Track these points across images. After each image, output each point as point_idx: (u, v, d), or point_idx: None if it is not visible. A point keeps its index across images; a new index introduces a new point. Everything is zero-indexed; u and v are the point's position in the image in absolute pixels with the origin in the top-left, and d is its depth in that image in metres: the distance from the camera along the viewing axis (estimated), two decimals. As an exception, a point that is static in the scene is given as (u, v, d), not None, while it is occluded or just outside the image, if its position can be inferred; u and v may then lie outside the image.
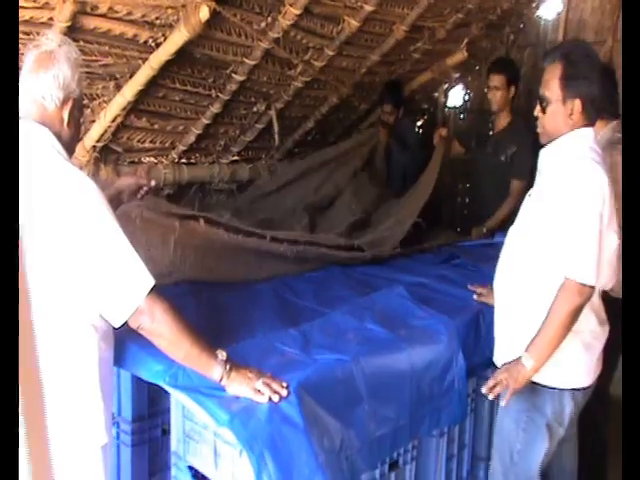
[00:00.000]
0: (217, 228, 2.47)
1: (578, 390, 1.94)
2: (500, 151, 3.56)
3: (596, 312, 1.94)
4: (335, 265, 2.83)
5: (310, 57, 3.27)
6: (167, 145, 3.43)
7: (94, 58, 2.59)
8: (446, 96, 5.03)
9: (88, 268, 1.50)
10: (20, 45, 1.94)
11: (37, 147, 1.55)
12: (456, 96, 5.00)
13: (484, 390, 1.90)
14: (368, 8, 3.03)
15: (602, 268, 1.81)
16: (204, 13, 2.41)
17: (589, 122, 1.87)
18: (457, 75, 4.74)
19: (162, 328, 1.53)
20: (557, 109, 1.86)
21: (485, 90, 3.80)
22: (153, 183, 2.09)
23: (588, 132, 1.88)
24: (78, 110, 1.69)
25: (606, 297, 2.01)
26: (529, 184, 2.13)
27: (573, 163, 1.82)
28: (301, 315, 2.20)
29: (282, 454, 1.50)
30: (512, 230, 2.03)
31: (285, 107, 3.66)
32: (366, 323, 2.11)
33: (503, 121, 3.64)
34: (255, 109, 3.53)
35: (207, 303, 2.23)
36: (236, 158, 3.93)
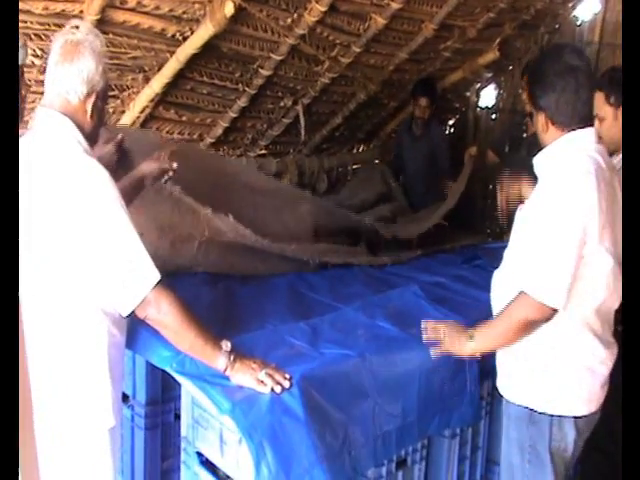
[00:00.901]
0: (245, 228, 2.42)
1: (580, 417, 1.79)
2: (535, 152, 3.46)
3: (599, 335, 1.75)
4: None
5: (337, 54, 3.29)
6: (195, 137, 3.49)
7: (123, 51, 2.65)
8: (478, 96, 4.97)
9: (97, 258, 1.53)
10: (53, 38, 2.01)
11: (56, 136, 1.59)
12: (488, 96, 4.94)
13: (422, 324, 1.88)
14: (395, 6, 3.02)
15: (595, 289, 1.67)
16: (229, 8, 2.45)
17: (570, 128, 1.72)
18: (489, 75, 4.69)
19: (168, 319, 1.56)
20: (535, 119, 1.81)
21: (520, 91, 3.74)
22: (175, 166, 2.05)
23: (579, 136, 1.72)
24: (102, 100, 1.71)
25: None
26: None
27: (559, 172, 1.69)
28: (314, 309, 2.22)
29: (282, 444, 1.53)
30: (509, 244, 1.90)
31: (312, 103, 3.68)
32: (377, 320, 2.12)
33: None
34: (282, 104, 3.56)
35: (222, 293, 2.27)
36: (264, 152, 3.98)
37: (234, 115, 3.39)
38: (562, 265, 1.59)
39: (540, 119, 1.76)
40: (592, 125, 1.75)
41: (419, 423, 1.99)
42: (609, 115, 2.06)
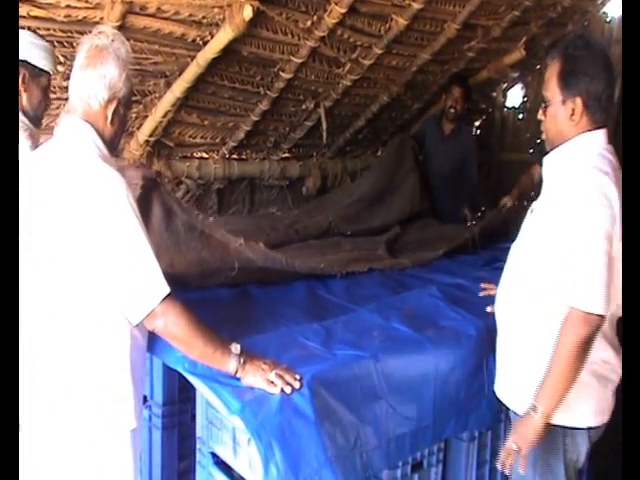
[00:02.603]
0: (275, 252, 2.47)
1: (593, 428, 1.72)
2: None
3: (610, 341, 1.70)
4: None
5: (358, 55, 3.28)
6: (217, 141, 3.53)
7: (145, 56, 2.70)
8: (504, 96, 4.91)
9: (109, 267, 1.55)
10: (75, 45, 2.05)
11: (75, 143, 1.62)
12: (515, 96, 4.87)
13: (499, 467, 1.68)
14: (416, 6, 3.01)
15: (614, 293, 1.58)
16: (247, 12, 2.47)
17: (596, 124, 1.64)
18: (516, 74, 4.63)
19: (175, 331, 1.58)
20: (557, 110, 1.66)
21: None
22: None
23: (596, 136, 1.65)
24: (124, 107, 1.72)
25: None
26: None
27: (578, 174, 1.60)
28: (329, 311, 2.22)
29: (291, 445, 1.53)
30: (513, 248, 1.84)
31: (334, 105, 3.69)
32: (392, 322, 2.11)
33: None
34: (304, 107, 3.57)
35: (239, 294, 2.29)
36: (287, 155, 4.00)
37: (256, 118, 3.41)
38: (599, 270, 1.53)
39: (571, 107, 1.63)
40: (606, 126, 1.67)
41: (434, 426, 1.97)
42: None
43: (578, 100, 1.61)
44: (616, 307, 1.62)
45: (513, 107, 4.95)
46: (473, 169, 4.01)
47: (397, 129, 4.43)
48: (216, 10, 2.58)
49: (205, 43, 2.73)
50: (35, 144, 1.93)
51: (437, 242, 3.21)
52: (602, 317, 1.55)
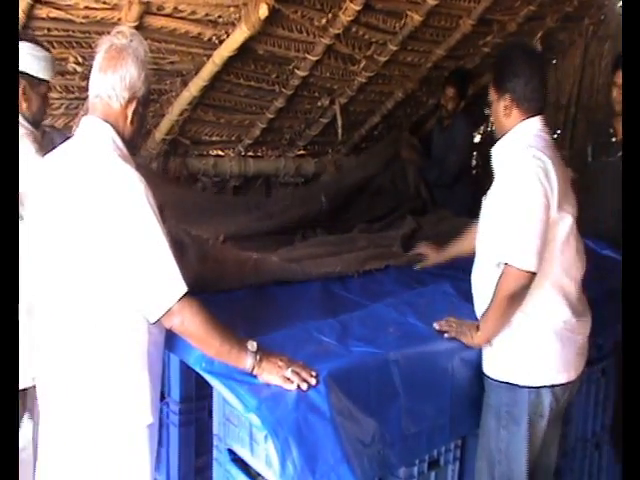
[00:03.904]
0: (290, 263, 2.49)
1: (557, 386, 1.89)
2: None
3: (570, 302, 1.88)
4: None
5: (373, 52, 3.28)
6: (233, 138, 3.55)
7: (161, 56, 2.73)
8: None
9: (128, 265, 1.57)
10: (93, 46, 2.08)
11: (95, 143, 1.64)
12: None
13: (436, 326, 2.02)
14: (431, 2, 3.00)
15: (555, 252, 1.83)
16: (263, 11, 2.48)
17: (529, 114, 1.89)
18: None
19: (192, 329, 1.60)
20: (495, 107, 1.94)
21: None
22: None
23: (530, 122, 1.89)
24: (143, 106, 1.74)
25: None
26: None
27: (516, 152, 1.86)
28: (344, 306, 2.23)
29: (307, 441, 1.54)
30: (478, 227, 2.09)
31: (350, 102, 3.69)
32: (408, 318, 2.11)
33: None
34: (319, 104, 3.58)
35: (254, 292, 2.30)
36: (302, 152, 4.01)
37: (271, 116, 3.43)
38: (530, 230, 1.77)
39: (503, 104, 1.91)
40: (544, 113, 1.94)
41: (451, 422, 1.97)
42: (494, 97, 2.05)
43: (507, 97, 1.89)
44: (562, 272, 1.87)
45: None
46: (452, 155, 3.99)
47: (412, 125, 4.42)
48: (232, 9, 2.60)
49: (221, 42, 2.75)
50: (39, 146, 1.98)
51: (452, 237, 3.21)
52: (533, 274, 1.78)
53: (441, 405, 1.93)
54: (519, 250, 1.77)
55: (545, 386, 1.89)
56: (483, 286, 1.95)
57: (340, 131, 3.71)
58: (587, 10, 4.12)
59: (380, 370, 1.81)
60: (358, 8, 2.82)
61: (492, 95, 1.97)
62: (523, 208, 1.78)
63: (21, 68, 1.99)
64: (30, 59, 2.04)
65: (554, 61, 4.60)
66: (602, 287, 2.41)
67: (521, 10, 3.55)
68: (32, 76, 2.06)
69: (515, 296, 1.82)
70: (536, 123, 1.90)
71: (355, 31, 3.07)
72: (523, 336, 1.89)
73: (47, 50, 2.14)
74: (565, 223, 1.85)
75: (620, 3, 4.18)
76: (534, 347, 1.88)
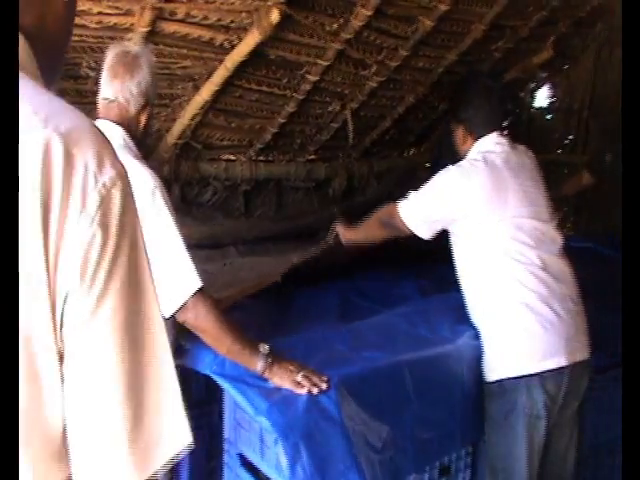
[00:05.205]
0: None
1: (543, 374, 1.89)
2: None
3: (527, 284, 1.93)
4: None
5: (384, 57, 3.27)
6: (245, 143, 3.54)
7: (173, 60, 2.73)
8: (532, 96, 4.86)
9: None
10: (105, 51, 2.10)
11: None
12: (543, 96, 4.82)
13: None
14: (443, 7, 2.99)
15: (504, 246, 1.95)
16: (275, 16, 2.48)
17: (481, 135, 2.10)
18: (544, 75, 4.57)
19: (205, 325, 1.61)
20: (454, 135, 2.21)
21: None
22: None
23: (482, 141, 2.10)
24: (152, 112, 1.81)
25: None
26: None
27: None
28: (357, 313, 2.23)
29: (317, 446, 1.54)
30: None
31: (361, 107, 3.68)
32: (419, 325, 2.11)
33: None
34: (330, 109, 3.57)
35: (268, 296, 2.31)
36: (313, 157, 4.01)
37: (282, 121, 3.43)
38: (422, 206, 2.03)
39: (460, 132, 2.16)
40: (499, 129, 2.14)
41: (462, 429, 1.97)
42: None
43: (462, 126, 2.15)
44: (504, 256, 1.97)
45: (541, 107, 4.89)
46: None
47: (424, 130, 4.41)
48: (244, 14, 2.60)
49: (233, 47, 2.75)
50: None
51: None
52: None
53: (452, 412, 1.93)
54: (410, 211, 2.03)
55: (532, 375, 1.89)
56: (470, 287, 2.07)
57: (351, 136, 3.71)
58: (600, 16, 4.09)
59: (392, 376, 1.81)
60: (369, 13, 2.81)
61: (451, 125, 2.22)
62: (435, 183, 2.03)
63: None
64: None
65: (566, 66, 4.58)
66: (613, 293, 2.39)
67: (533, 15, 3.53)
68: None
69: (386, 225, 2.12)
70: (488, 140, 2.09)
71: (366, 36, 3.06)
72: (500, 330, 1.97)
73: None
74: (512, 221, 1.95)
75: (633, 8, 4.15)
76: (513, 337, 1.94)
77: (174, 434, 0.66)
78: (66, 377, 0.62)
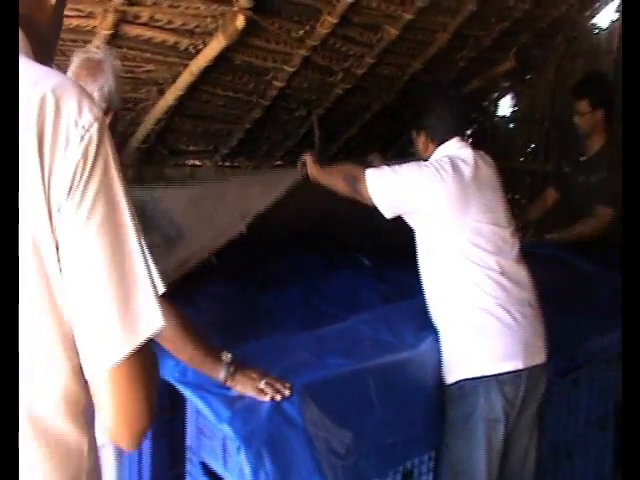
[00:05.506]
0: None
1: (501, 377, 1.92)
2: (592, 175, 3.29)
3: (485, 288, 1.96)
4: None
5: (350, 65, 3.30)
6: (210, 148, 3.53)
7: (136, 64, 2.70)
8: (496, 105, 4.95)
9: None
10: (67, 53, 2.06)
11: None
12: (506, 105, 4.91)
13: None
14: (407, 16, 3.02)
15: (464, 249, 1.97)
16: (240, 21, 2.48)
17: (443, 140, 2.15)
18: (507, 84, 4.66)
19: (166, 332, 1.58)
20: (416, 143, 2.27)
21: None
22: None
23: (444, 146, 2.14)
24: (116, 121, 1.76)
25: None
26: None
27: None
28: (323, 319, 2.23)
29: (280, 453, 1.53)
30: None
31: (327, 113, 3.70)
32: (383, 331, 2.12)
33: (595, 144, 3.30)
34: (297, 115, 3.58)
35: (234, 300, 2.30)
36: (279, 162, 4.01)
37: (249, 126, 3.42)
38: (391, 188, 2.05)
39: (422, 139, 2.20)
40: (460, 135, 2.19)
41: (425, 434, 1.98)
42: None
43: (423, 134, 2.20)
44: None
45: (504, 116, 4.99)
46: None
47: (391, 136, 4.45)
48: (209, 19, 2.59)
49: (198, 52, 2.73)
50: None
51: None
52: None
53: (415, 416, 1.94)
54: (380, 183, 2.05)
55: (490, 377, 1.91)
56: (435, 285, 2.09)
57: (318, 142, 3.72)
58: (561, 27, 4.20)
59: (355, 382, 1.81)
60: (335, 21, 2.83)
61: (413, 133, 2.27)
62: (409, 172, 2.06)
63: None
64: None
65: (528, 76, 4.68)
66: (574, 299, 2.45)
67: (496, 25, 3.61)
68: None
69: (350, 184, 2.14)
70: (450, 145, 2.13)
71: (332, 43, 3.08)
72: (459, 332, 1.99)
73: None
74: (472, 221, 1.98)
75: (592, 21, 4.27)
76: (471, 339, 1.96)
77: (151, 317, 0.84)
78: (65, 272, 0.80)
